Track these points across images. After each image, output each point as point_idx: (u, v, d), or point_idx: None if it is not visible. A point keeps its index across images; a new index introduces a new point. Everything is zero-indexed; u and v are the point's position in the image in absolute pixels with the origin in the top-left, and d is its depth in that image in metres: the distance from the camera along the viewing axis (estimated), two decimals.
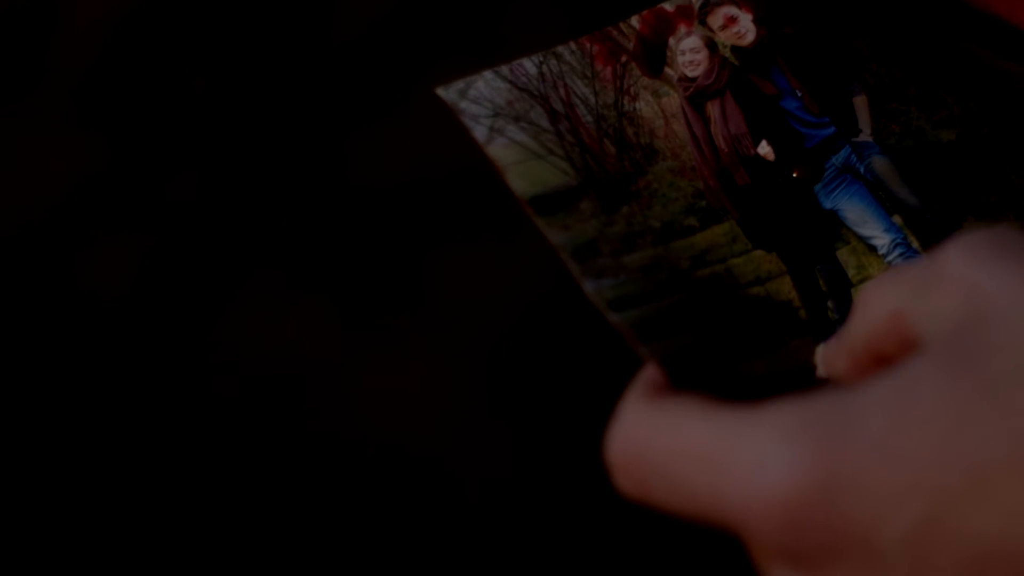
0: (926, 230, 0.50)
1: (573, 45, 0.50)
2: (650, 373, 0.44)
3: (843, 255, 0.49)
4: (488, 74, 0.49)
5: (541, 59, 0.50)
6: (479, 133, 0.48)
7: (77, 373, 1.56)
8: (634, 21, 0.51)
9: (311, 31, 1.73)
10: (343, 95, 1.69)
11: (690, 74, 0.51)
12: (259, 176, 1.66)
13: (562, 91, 0.49)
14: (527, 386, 1.54)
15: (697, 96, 0.51)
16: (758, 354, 0.46)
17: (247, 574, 1.46)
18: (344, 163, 1.66)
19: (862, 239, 0.50)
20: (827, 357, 0.46)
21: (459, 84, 0.48)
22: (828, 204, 0.50)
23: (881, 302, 0.40)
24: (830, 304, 0.48)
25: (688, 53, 0.51)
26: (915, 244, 0.49)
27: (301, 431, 1.53)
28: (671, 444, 0.40)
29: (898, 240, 0.49)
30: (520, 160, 0.48)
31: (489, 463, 1.50)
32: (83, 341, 1.57)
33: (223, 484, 1.50)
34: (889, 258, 0.49)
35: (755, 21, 0.52)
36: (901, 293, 0.40)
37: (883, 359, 0.41)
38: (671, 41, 0.51)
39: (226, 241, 1.63)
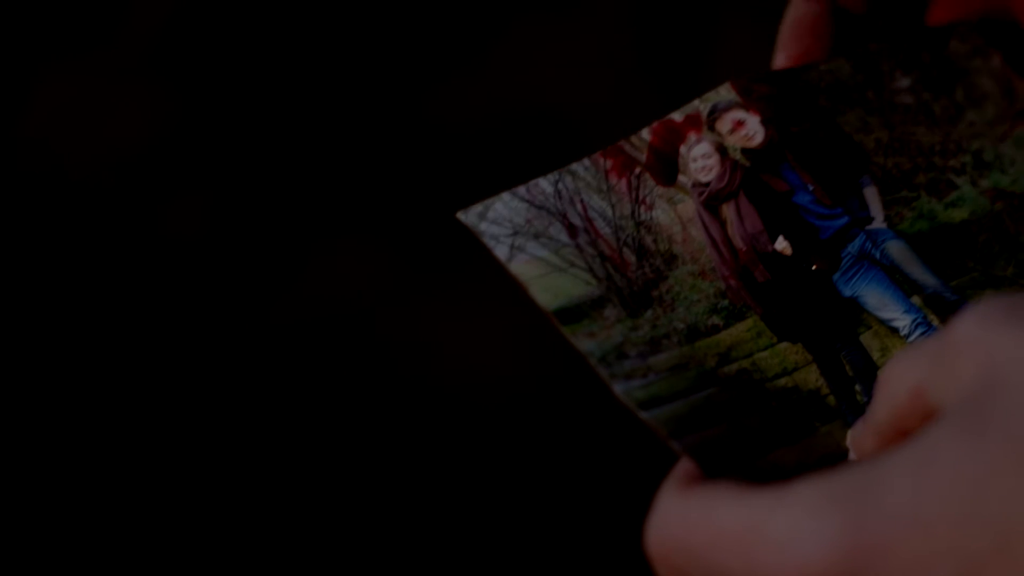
0: (945, 307, 0.50)
1: (587, 161, 0.52)
2: (684, 465, 0.45)
3: (866, 339, 0.50)
4: (506, 195, 0.50)
5: (556, 178, 0.51)
6: (500, 252, 0.49)
7: (155, 315, 1.60)
8: (645, 133, 0.53)
9: None
10: (419, 45, 1.71)
11: (703, 179, 0.53)
12: (333, 127, 1.68)
13: (579, 206, 0.51)
14: None
15: (712, 200, 0.52)
16: (790, 441, 0.47)
17: (322, 514, 1.48)
18: (417, 112, 1.69)
19: (883, 322, 0.50)
20: (855, 440, 0.47)
21: (478, 208, 0.50)
22: (848, 292, 0.51)
23: (901, 380, 0.41)
24: (858, 388, 0.49)
25: (700, 159, 0.53)
26: (936, 322, 0.50)
27: (372, 378, 1.55)
28: (706, 531, 0.41)
29: (919, 320, 0.50)
30: (542, 274, 0.49)
31: (558, 414, 1.50)
32: (163, 285, 1.61)
33: (295, 428, 1.53)
34: (911, 339, 0.50)
35: (763, 122, 0.53)
36: (919, 368, 0.41)
37: (910, 436, 0.42)
38: (682, 149, 0.53)
39: (300, 190, 1.66)
